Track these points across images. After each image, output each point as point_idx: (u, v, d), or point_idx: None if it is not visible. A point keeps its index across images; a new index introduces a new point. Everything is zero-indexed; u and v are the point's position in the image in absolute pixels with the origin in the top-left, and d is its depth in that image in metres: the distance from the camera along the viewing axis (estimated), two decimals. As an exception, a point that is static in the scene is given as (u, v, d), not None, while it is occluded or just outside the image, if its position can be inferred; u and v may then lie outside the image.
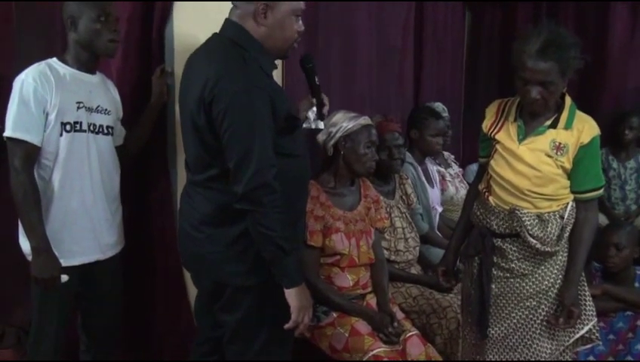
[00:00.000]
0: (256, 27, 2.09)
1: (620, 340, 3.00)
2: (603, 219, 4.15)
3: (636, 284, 3.15)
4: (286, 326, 2.10)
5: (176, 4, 2.68)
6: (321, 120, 2.46)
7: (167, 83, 2.71)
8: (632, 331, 3.00)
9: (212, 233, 2.14)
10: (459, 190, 3.94)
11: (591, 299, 2.47)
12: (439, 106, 3.98)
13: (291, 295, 2.09)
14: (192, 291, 2.63)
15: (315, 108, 2.51)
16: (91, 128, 2.38)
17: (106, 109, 2.44)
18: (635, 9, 4.61)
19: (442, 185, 3.89)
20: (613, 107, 4.59)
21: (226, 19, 2.15)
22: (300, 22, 2.15)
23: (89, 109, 2.37)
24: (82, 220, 2.37)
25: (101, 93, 2.45)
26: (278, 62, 2.36)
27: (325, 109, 2.49)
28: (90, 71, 2.42)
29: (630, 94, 4.68)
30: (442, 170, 3.98)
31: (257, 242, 2.04)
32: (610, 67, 4.58)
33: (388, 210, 3.17)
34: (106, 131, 2.44)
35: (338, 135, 2.77)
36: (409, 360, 2.62)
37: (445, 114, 3.97)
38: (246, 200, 1.98)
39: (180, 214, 2.33)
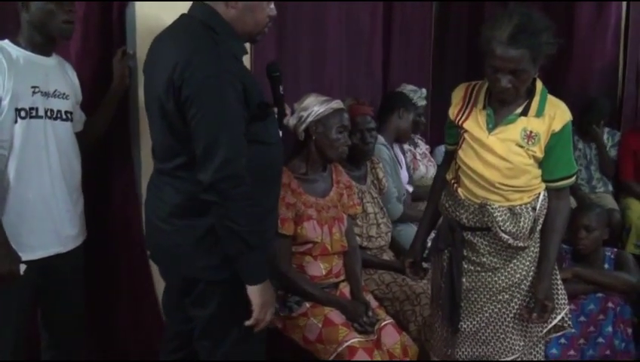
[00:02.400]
0: (226, 9, 2.01)
1: (591, 322, 3.01)
2: (572, 201, 4.16)
3: (606, 266, 3.17)
4: (247, 323, 2.04)
5: (137, -16, 2.57)
6: (282, 129, 2.39)
7: (129, 66, 2.60)
8: (602, 313, 3.01)
9: (182, 225, 2.05)
10: (428, 169, 4.00)
11: (563, 287, 2.43)
12: (424, 92, 4.01)
13: (254, 292, 2.02)
14: (160, 285, 2.54)
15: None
16: (49, 114, 2.26)
17: (63, 93, 2.32)
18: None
19: (413, 163, 3.91)
20: (580, 88, 4.63)
21: (195, 1, 2.05)
22: (272, 6, 2.08)
23: (45, 94, 2.25)
24: (41, 211, 2.25)
25: (58, 77, 2.33)
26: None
27: (286, 119, 2.44)
28: (46, 53, 2.30)
29: (596, 76, 4.74)
30: (412, 149, 4.01)
31: (222, 236, 1.96)
32: (577, 48, 4.61)
33: (360, 195, 3.12)
34: (64, 117, 2.32)
35: (309, 119, 2.70)
36: (384, 349, 2.58)
37: (425, 102, 4.01)
38: (212, 191, 1.90)
39: (146, 206, 2.23)
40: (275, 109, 2.34)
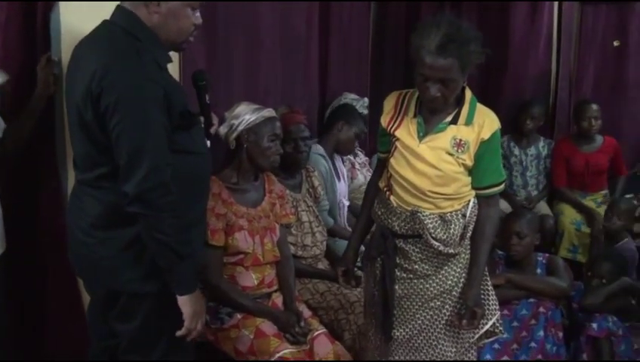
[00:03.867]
0: (149, 15, 1.97)
1: (524, 327, 3.05)
2: (507, 206, 4.23)
3: (538, 271, 3.22)
4: (178, 333, 2.01)
5: (62, -10, 2.50)
6: (209, 139, 2.35)
7: (53, 73, 2.52)
8: (534, 318, 3.06)
9: (104, 237, 2.01)
10: (367, 178, 3.94)
11: (494, 293, 2.45)
12: (366, 101, 4.03)
13: (185, 302, 2.00)
14: (87, 298, 2.47)
15: None
16: None
17: None
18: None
19: (352, 173, 3.92)
20: (515, 95, 4.72)
21: (117, 6, 2.01)
22: (198, 14, 2.04)
23: None
24: None
25: None
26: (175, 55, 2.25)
27: (213, 129, 2.39)
28: None
29: (529, 83, 4.83)
30: (351, 158, 4.01)
31: (150, 247, 1.93)
32: (512, 55, 4.70)
33: (294, 203, 3.10)
34: None
35: (240, 128, 2.67)
36: (316, 360, 2.57)
37: (367, 111, 4.02)
38: (138, 203, 1.86)
39: (68, 217, 2.17)
40: (202, 118, 2.30)
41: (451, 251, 2.30)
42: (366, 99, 4.06)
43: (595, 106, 4.50)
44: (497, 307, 2.44)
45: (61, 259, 2.61)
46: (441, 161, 2.23)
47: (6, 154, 2.40)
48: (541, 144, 4.66)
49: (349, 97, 4.00)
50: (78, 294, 2.71)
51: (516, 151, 4.63)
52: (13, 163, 2.48)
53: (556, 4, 4.77)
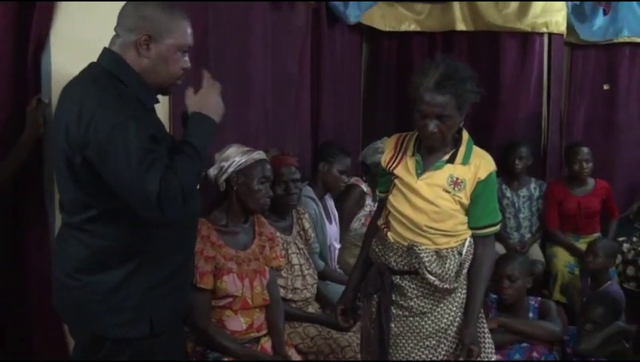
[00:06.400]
0: (138, 59, 1.97)
1: (518, 372, 3.01)
2: (500, 248, 4.22)
3: (530, 315, 3.20)
4: None
5: (53, 32, 2.50)
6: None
7: (43, 114, 2.51)
8: (528, 362, 3.02)
9: (88, 281, 1.98)
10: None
11: (489, 334, 2.47)
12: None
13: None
14: (72, 342, 2.42)
15: None
16: None
17: None
18: (523, 43, 4.81)
19: (366, 220, 3.85)
20: (505, 137, 4.75)
21: (105, 48, 2.01)
22: (187, 58, 2.05)
23: None
24: None
25: None
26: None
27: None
28: None
29: (521, 125, 4.88)
30: (372, 205, 3.94)
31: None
32: (502, 99, 4.74)
33: (285, 246, 3.07)
34: None
35: (230, 170, 2.66)
36: None
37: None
38: (160, 208, 1.81)
39: (53, 260, 2.14)
40: None
41: (447, 286, 2.31)
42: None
43: (586, 149, 4.53)
44: (493, 349, 2.46)
45: (46, 302, 2.57)
46: (437, 198, 2.29)
47: None
48: (532, 185, 4.68)
49: (375, 146, 3.98)
50: (63, 338, 2.66)
51: (508, 193, 4.64)
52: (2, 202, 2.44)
53: (546, 45, 4.83)
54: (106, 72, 1.95)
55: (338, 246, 3.70)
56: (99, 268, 1.96)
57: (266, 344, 2.72)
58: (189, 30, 2.04)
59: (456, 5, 4.77)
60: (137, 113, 1.90)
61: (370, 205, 3.96)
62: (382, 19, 4.83)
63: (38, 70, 2.52)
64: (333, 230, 3.66)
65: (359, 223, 3.89)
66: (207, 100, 2.04)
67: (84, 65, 2.04)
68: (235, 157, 2.68)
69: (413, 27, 4.87)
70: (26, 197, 2.60)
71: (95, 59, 2.03)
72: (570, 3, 4.81)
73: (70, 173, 1.92)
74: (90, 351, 2.07)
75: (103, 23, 2.06)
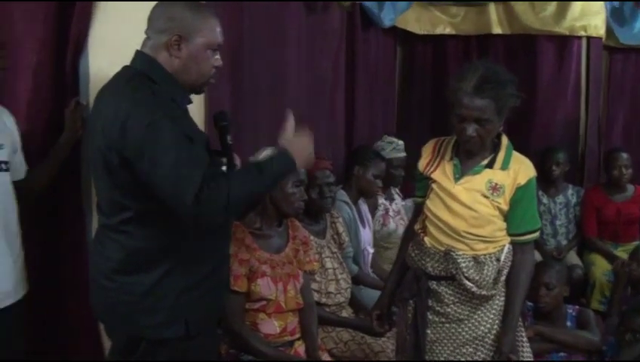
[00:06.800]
0: (170, 59, 1.98)
1: (554, 382, 2.96)
2: (536, 255, 4.15)
3: (568, 323, 3.15)
4: None
5: (91, 34, 2.53)
6: None
7: (82, 116, 2.54)
8: (565, 372, 2.97)
9: (124, 282, 1.99)
10: (398, 227, 3.93)
11: (528, 343, 2.44)
12: (400, 144, 4.02)
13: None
14: (108, 343, 2.44)
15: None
16: None
17: None
18: (561, 46, 4.74)
19: (384, 219, 3.88)
20: (543, 142, 4.68)
21: (137, 51, 2.03)
22: (218, 56, 2.05)
23: None
24: None
25: None
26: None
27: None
28: None
29: (558, 130, 4.80)
30: (387, 203, 3.96)
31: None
32: (539, 104, 4.68)
33: (318, 250, 3.07)
34: None
35: (265, 173, 2.65)
36: None
37: (403, 153, 4.01)
38: (201, 215, 1.83)
39: (90, 261, 2.16)
40: (224, 160, 2.29)
41: (484, 293, 2.29)
42: (400, 142, 4.04)
43: (625, 155, 4.45)
44: (532, 358, 2.43)
45: (83, 302, 2.60)
46: (476, 203, 2.26)
47: (30, 193, 2.39)
48: (570, 192, 4.61)
49: (386, 140, 3.98)
50: (99, 339, 2.68)
51: (544, 199, 4.57)
52: (35, 205, 2.47)
53: (584, 49, 4.75)
54: (140, 74, 1.97)
55: (372, 250, 3.69)
56: (135, 269, 1.97)
57: (300, 348, 2.72)
58: (218, 28, 2.05)
59: (492, 8, 4.73)
60: (172, 112, 1.91)
61: (384, 204, 3.95)
62: (417, 22, 4.81)
63: (77, 72, 2.55)
64: (366, 234, 3.65)
65: (379, 224, 3.88)
66: (301, 146, 2.09)
67: (120, 66, 2.05)
68: (269, 160, 2.67)
69: (448, 30, 4.85)
70: (63, 198, 2.63)
71: (129, 61, 2.04)
72: (608, 6, 4.72)
73: (107, 174, 1.93)
74: (125, 352, 2.07)
75: (140, 25, 2.06)
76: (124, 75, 2.00)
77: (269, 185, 2.00)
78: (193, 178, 1.80)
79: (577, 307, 3.28)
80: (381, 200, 3.94)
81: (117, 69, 2.07)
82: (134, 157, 1.85)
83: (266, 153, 2.70)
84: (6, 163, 2.27)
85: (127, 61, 2.06)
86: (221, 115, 2.32)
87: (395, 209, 4.03)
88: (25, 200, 2.36)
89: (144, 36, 2.04)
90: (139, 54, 2.02)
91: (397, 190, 4.20)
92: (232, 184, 1.85)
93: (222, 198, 1.82)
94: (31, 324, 2.44)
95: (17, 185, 2.32)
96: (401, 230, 3.86)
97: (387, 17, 4.29)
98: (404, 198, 4.21)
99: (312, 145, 2.12)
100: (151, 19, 2.02)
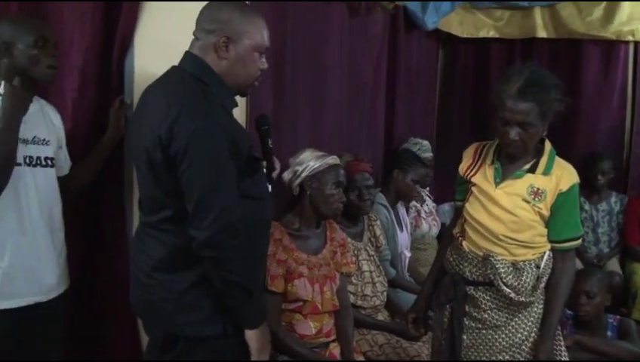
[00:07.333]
0: (218, 61, 1.99)
1: (593, 392, 2.90)
2: (578, 264, 4.08)
3: (609, 333, 3.09)
4: None
5: (137, 35, 2.57)
6: (270, 183, 2.35)
7: (125, 115, 2.58)
8: (604, 383, 2.91)
9: (164, 279, 2.00)
10: (431, 228, 3.93)
11: (566, 352, 2.39)
12: (425, 144, 4.00)
13: (252, 336, 2.00)
14: (146, 339, 2.46)
15: None
16: (27, 161, 2.20)
17: (44, 140, 2.27)
18: (607, 51, 4.64)
19: (416, 221, 3.87)
20: (586, 148, 4.60)
21: (186, 52, 2.04)
22: (264, 59, 2.06)
23: (24, 141, 2.18)
24: (20, 260, 2.18)
25: (38, 123, 2.27)
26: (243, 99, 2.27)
27: (275, 173, 2.41)
28: None
29: (602, 136, 4.71)
30: (418, 205, 3.95)
31: (222, 288, 1.93)
32: (584, 109, 4.60)
33: (355, 252, 3.07)
34: (44, 163, 2.26)
35: (304, 174, 2.67)
36: None
37: (429, 153, 4.00)
38: (209, 246, 1.86)
39: (131, 258, 2.19)
40: (264, 163, 2.31)
41: (522, 299, 2.26)
42: (425, 142, 4.02)
43: (670, 163, 4.34)
44: None
45: (122, 298, 2.64)
46: (516, 207, 2.24)
47: (73, 190, 2.44)
48: (613, 199, 4.52)
49: (412, 141, 3.97)
50: (137, 335, 2.72)
51: (587, 206, 4.49)
52: (77, 201, 2.51)
53: (631, 54, 4.65)
54: (192, 75, 1.98)
55: (409, 254, 3.67)
56: (174, 267, 1.98)
57: (335, 350, 2.72)
58: (266, 31, 2.06)
59: (537, 12, 4.66)
60: (221, 118, 1.92)
61: (415, 206, 3.94)
62: (460, 25, 4.76)
63: (122, 72, 2.59)
64: (404, 238, 3.63)
65: (412, 226, 3.86)
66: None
67: (167, 66, 2.08)
68: (309, 161, 2.69)
69: (492, 34, 4.79)
70: (105, 196, 2.67)
71: (177, 61, 2.06)
72: (657, 9, 4.61)
73: (150, 171, 1.95)
74: (163, 349, 2.09)
75: (186, 24, 2.08)
76: (176, 75, 2.01)
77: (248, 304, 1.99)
78: (218, 203, 1.85)
79: (618, 317, 3.22)
80: (412, 203, 3.92)
81: (162, 68, 2.09)
82: (176, 155, 1.86)
83: (304, 155, 2.72)
84: (52, 159, 2.30)
85: (171, 61, 2.08)
86: (262, 118, 2.34)
87: (427, 210, 4.02)
88: (67, 196, 2.40)
89: (189, 36, 2.06)
90: (188, 55, 2.03)
91: (426, 191, 4.18)
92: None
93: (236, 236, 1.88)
94: (70, 319, 2.47)
95: (61, 181, 2.36)
96: (434, 231, 3.89)
97: (430, 20, 4.26)
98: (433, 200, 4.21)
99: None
100: (199, 21, 2.03)
